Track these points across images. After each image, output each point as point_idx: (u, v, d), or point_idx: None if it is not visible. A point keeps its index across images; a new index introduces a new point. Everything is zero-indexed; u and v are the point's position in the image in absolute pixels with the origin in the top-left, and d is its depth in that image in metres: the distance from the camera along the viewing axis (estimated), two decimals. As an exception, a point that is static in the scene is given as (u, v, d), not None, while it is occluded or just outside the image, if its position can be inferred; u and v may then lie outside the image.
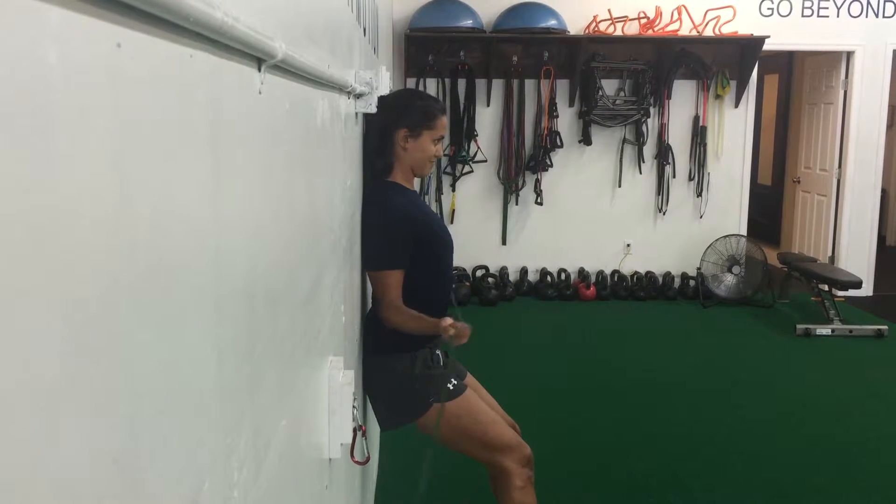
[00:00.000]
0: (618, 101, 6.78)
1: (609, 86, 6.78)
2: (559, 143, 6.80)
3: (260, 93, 0.97)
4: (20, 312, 0.41)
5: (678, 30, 6.69)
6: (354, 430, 1.79)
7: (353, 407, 1.75)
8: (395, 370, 2.45)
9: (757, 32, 6.66)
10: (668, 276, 7.00)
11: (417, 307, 2.39)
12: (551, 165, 6.84)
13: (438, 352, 2.52)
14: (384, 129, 2.49)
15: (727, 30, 6.68)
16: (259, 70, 0.96)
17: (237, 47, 0.80)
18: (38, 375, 0.43)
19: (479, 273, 6.82)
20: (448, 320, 2.28)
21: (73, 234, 0.47)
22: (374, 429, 3.30)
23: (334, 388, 1.68)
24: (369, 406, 2.60)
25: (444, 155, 6.73)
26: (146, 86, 0.59)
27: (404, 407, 2.45)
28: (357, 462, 1.94)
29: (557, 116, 6.79)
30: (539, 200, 6.88)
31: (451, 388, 2.43)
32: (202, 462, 0.73)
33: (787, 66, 9.04)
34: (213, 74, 0.77)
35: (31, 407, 0.42)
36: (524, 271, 6.96)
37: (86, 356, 0.49)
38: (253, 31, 0.79)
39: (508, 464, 2.45)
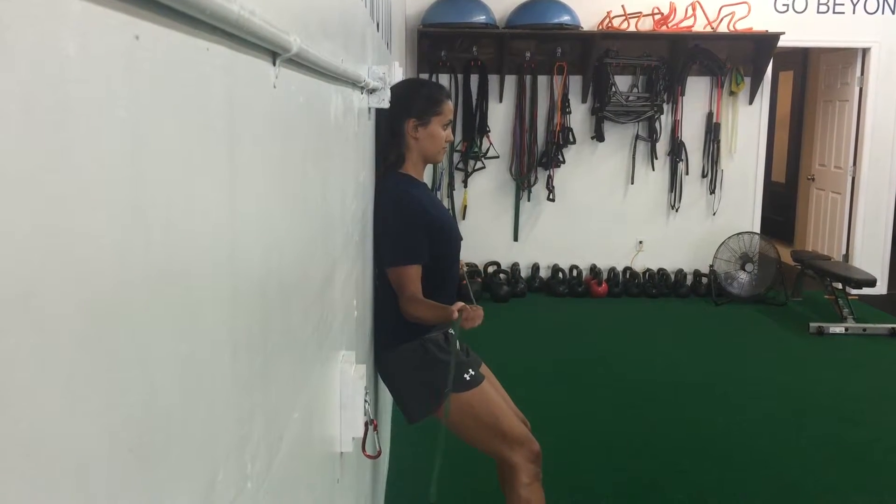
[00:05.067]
0: (631, 98, 6.75)
1: (622, 82, 6.76)
2: (572, 140, 6.78)
3: (275, 87, 0.98)
4: (38, 305, 0.42)
5: (692, 26, 6.66)
6: (366, 424, 1.79)
7: (365, 401, 1.75)
8: (406, 361, 2.45)
9: (772, 29, 6.62)
10: (680, 274, 6.98)
11: None
12: (564, 162, 6.82)
13: (451, 331, 2.52)
14: (392, 122, 2.49)
15: (742, 26, 6.65)
16: (274, 64, 0.96)
17: (252, 41, 0.80)
18: (56, 367, 0.44)
19: (490, 269, 6.82)
20: (459, 304, 2.26)
21: (90, 226, 0.48)
22: (386, 423, 3.31)
23: (346, 382, 1.68)
24: (381, 400, 2.60)
25: (456, 150, 6.73)
26: (163, 78, 0.60)
27: (423, 399, 2.45)
28: (368, 456, 1.95)
29: (570, 113, 6.77)
30: (551, 197, 6.86)
31: (468, 378, 2.43)
32: (216, 453, 0.73)
33: (802, 62, 8.98)
34: (229, 68, 0.77)
35: (49, 397, 0.43)
36: (536, 268, 6.95)
37: (102, 347, 0.49)
38: (268, 24, 0.80)
39: (516, 459, 2.45)
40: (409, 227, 2.40)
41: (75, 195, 0.46)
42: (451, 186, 6.79)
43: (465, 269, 2.80)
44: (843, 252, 7.27)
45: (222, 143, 0.75)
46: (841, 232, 7.31)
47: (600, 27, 6.63)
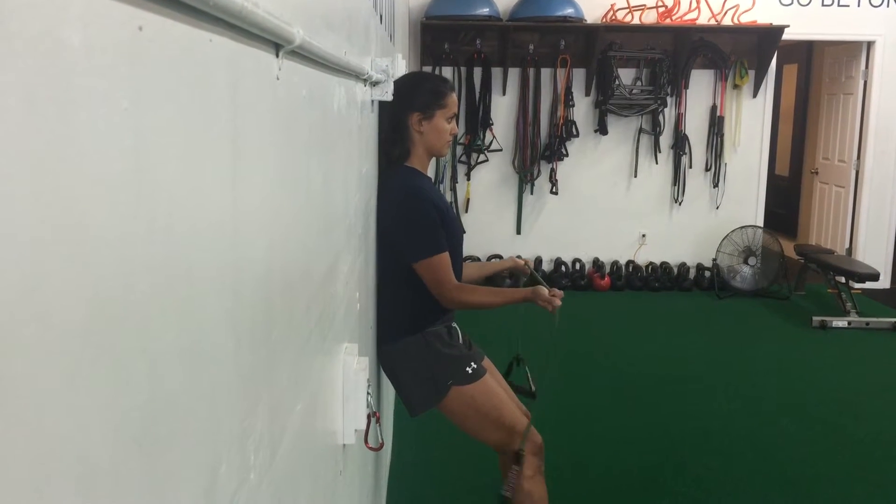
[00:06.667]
0: (634, 91, 6.74)
1: (626, 75, 6.74)
2: (575, 133, 6.77)
3: (278, 79, 0.97)
4: (41, 298, 0.42)
5: (696, 19, 6.64)
6: (369, 417, 1.79)
7: (368, 393, 1.76)
8: (409, 354, 2.45)
9: (776, 22, 6.60)
10: (683, 267, 6.98)
11: (425, 298, 2.39)
12: (567, 155, 6.81)
13: (454, 324, 2.52)
14: (396, 116, 2.48)
15: (746, 19, 6.62)
16: (277, 56, 0.96)
17: (256, 32, 0.80)
18: (60, 359, 0.44)
19: (493, 262, 6.81)
20: (542, 290, 2.39)
21: (93, 218, 0.48)
22: (389, 415, 3.31)
23: (349, 375, 1.69)
24: (384, 392, 2.60)
25: (460, 143, 6.73)
26: (166, 70, 0.60)
27: (426, 392, 2.45)
28: (371, 448, 1.95)
29: (573, 105, 6.76)
30: (554, 190, 6.86)
31: (471, 371, 2.43)
32: (219, 444, 0.74)
33: (807, 55, 8.96)
34: (232, 59, 0.77)
35: (54, 389, 0.43)
36: (538, 261, 6.95)
37: (106, 339, 0.49)
38: (271, 16, 0.79)
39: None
40: (427, 220, 2.39)
41: (78, 188, 0.46)
42: (454, 179, 6.79)
43: (531, 264, 2.87)
44: (847, 246, 7.26)
45: (225, 135, 0.75)
46: (844, 226, 7.30)
47: (604, 20, 6.62)
